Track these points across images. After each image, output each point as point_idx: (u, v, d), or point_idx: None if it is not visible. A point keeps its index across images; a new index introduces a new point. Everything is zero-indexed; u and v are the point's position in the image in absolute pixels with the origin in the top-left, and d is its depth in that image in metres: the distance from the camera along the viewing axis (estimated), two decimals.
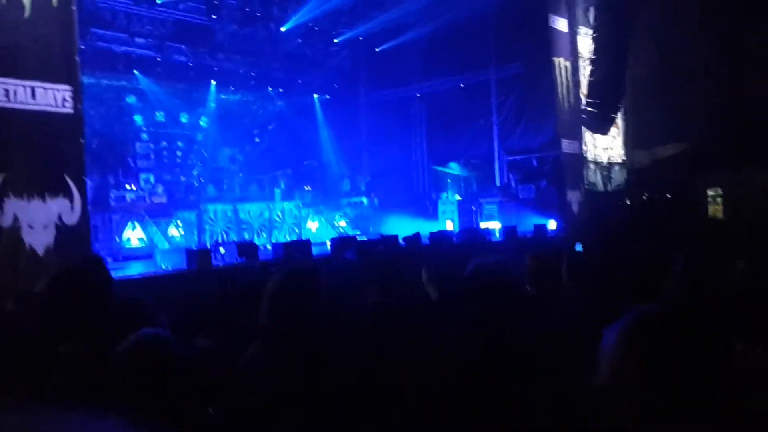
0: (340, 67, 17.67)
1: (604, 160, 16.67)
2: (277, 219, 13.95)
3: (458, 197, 15.71)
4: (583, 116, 15.21)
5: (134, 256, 10.79)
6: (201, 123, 15.76)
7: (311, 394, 2.16)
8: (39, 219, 6.79)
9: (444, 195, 15.75)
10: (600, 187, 16.23)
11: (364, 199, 16.36)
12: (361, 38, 16.39)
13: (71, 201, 7.12)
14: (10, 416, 0.93)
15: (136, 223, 11.49)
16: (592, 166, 15.96)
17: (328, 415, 2.18)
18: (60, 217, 6.99)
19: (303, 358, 2.29)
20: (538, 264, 4.01)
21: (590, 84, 15.32)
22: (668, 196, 15.66)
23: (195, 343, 3.18)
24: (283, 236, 13.60)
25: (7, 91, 6.54)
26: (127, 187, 12.54)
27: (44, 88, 6.87)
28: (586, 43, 15.65)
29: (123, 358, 1.78)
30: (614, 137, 17.01)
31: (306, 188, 15.54)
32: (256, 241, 11.71)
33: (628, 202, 16.18)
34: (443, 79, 16.51)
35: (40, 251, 6.75)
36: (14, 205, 6.56)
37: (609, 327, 1.30)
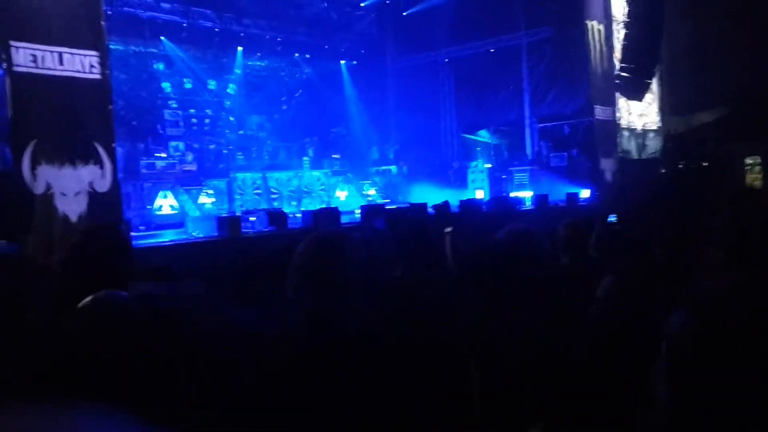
0: (367, 32, 17.40)
1: (639, 126, 16.27)
2: (306, 188, 13.93)
3: (488, 165, 15.49)
4: (617, 82, 14.81)
5: (166, 224, 10.86)
6: (228, 90, 15.68)
7: (332, 368, 2.10)
8: (71, 186, 6.82)
9: (473, 163, 15.52)
10: (634, 154, 15.87)
11: (393, 168, 16.24)
12: (387, 2, 16.09)
13: (102, 168, 7.14)
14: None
15: (168, 192, 11.54)
16: (626, 133, 15.60)
17: (344, 390, 2.12)
18: (91, 185, 7.02)
19: (327, 330, 2.22)
20: (573, 233, 3.89)
21: (624, 48, 14.88)
22: (704, 164, 15.27)
23: (224, 311, 3.15)
24: (312, 204, 13.58)
25: (34, 56, 6.52)
26: (157, 154, 12.57)
27: (71, 54, 6.83)
28: (620, 5, 15.16)
29: (74, 326, 1.64)
30: (649, 103, 16.57)
31: (334, 156, 15.45)
32: (286, 210, 11.70)
33: (663, 170, 15.83)
34: (472, 43, 16.16)
35: (73, 218, 6.79)
36: (46, 173, 6.59)
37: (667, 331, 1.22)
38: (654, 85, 16.29)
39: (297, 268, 2.39)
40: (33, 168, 6.43)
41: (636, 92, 15.49)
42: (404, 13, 16.62)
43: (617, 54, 14.87)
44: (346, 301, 2.39)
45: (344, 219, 10.11)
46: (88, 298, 1.67)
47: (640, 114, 16.20)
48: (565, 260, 3.85)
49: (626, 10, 14.94)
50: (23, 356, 2.03)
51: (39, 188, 6.48)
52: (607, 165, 14.02)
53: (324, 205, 13.36)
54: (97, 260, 2.43)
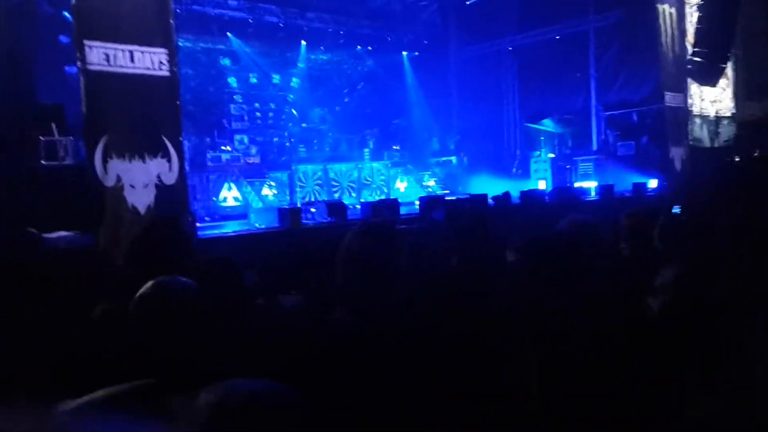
0: (430, 22, 17.30)
1: (712, 113, 15.61)
2: (367, 180, 14.03)
3: (551, 155, 15.19)
4: (689, 67, 14.24)
5: (230, 215, 11.16)
6: (292, 84, 15.94)
7: (377, 365, 2.11)
8: (140, 179, 7.10)
9: (536, 153, 15.26)
10: (706, 142, 15.25)
11: (453, 159, 16.15)
12: None
13: (169, 161, 7.39)
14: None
15: (232, 184, 11.86)
16: (698, 120, 15.00)
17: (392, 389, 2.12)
18: (159, 177, 7.28)
19: (376, 328, 2.23)
20: (634, 223, 3.78)
21: (697, 32, 14.28)
22: None
23: (284, 300, 3.22)
24: (372, 196, 13.66)
25: (107, 55, 6.80)
26: (223, 148, 12.91)
27: (142, 52, 7.09)
28: None
29: (135, 310, 1.67)
30: (723, 89, 15.86)
31: (395, 148, 15.49)
32: (345, 201, 11.82)
33: (737, 159, 15.14)
34: (537, 30, 15.82)
35: (142, 210, 7.07)
36: (117, 166, 6.88)
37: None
38: (728, 69, 15.57)
39: (343, 258, 2.41)
40: (104, 162, 6.73)
41: (709, 78, 14.85)
42: (467, 2, 16.44)
43: (690, 38, 14.30)
44: (395, 292, 2.39)
45: (403, 210, 10.14)
46: (148, 284, 1.73)
47: (713, 100, 15.54)
48: (626, 251, 3.75)
49: None
50: (90, 348, 2.12)
51: (110, 181, 6.77)
52: (677, 154, 13.53)
53: (383, 197, 13.43)
54: (158, 251, 2.53)
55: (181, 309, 1.65)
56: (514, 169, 14.75)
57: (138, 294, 1.72)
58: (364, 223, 2.56)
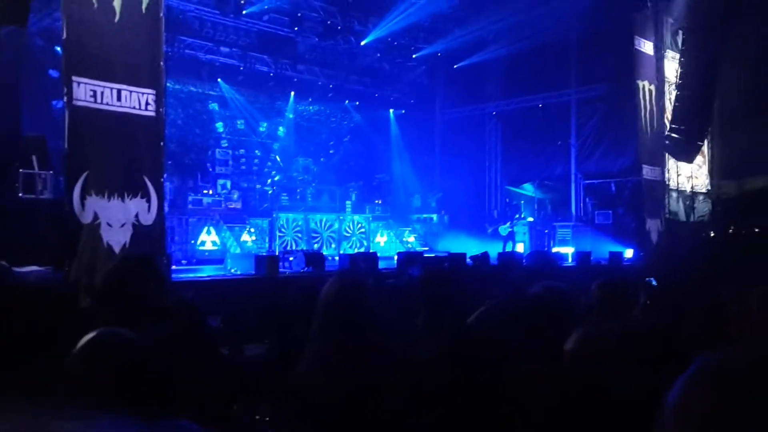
0: (417, 83, 17.72)
1: (688, 189, 15.97)
2: (347, 231, 14.04)
3: (530, 219, 15.36)
4: (667, 142, 14.63)
5: (207, 259, 11.06)
6: (279, 133, 16.09)
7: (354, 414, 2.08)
8: (117, 217, 7.03)
9: (516, 216, 15.43)
10: (682, 216, 15.54)
11: (434, 216, 16.26)
12: (439, 54, 16.38)
13: (149, 202, 7.35)
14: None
15: (211, 228, 11.79)
16: (674, 194, 15.32)
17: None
18: (137, 217, 7.22)
19: (349, 376, 2.20)
20: (607, 294, 3.78)
21: (675, 109, 14.73)
22: (756, 230, 14.80)
23: (248, 350, 3.18)
24: (352, 248, 13.65)
25: (94, 92, 6.83)
26: (205, 191, 12.90)
27: (129, 91, 7.14)
28: (672, 67, 15.08)
29: (76, 362, 1.62)
30: (699, 165, 16.28)
31: (377, 202, 15.58)
32: (325, 252, 11.79)
33: (711, 234, 15.40)
34: (521, 98, 16.25)
35: (117, 248, 6.98)
36: (95, 203, 6.82)
37: (675, 380, 1.11)
38: (705, 147, 16.01)
39: (322, 309, 2.40)
40: (83, 198, 6.67)
41: (686, 154, 15.24)
42: (455, 66, 16.86)
43: (668, 115, 14.73)
44: (366, 346, 2.37)
45: (382, 264, 10.12)
46: (91, 334, 1.67)
47: (689, 176, 15.92)
48: (598, 321, 3.74)
49: (679, 71, 14.84)
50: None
51: (87, 218, 6.70)
52: (653, 225, 13.75)
53: (363, 249, 13.41)
54: (132, 290, 2.48)
55: (118, 367, 1.61)
56: (489, 230, 14.83)
57: (77, 348, 1.67)
58: (340, 277, 2.55)
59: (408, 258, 9.91)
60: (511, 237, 14.27)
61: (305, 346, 2.60)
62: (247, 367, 2.62)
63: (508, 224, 14.41)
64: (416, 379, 1.98)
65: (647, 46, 14.11)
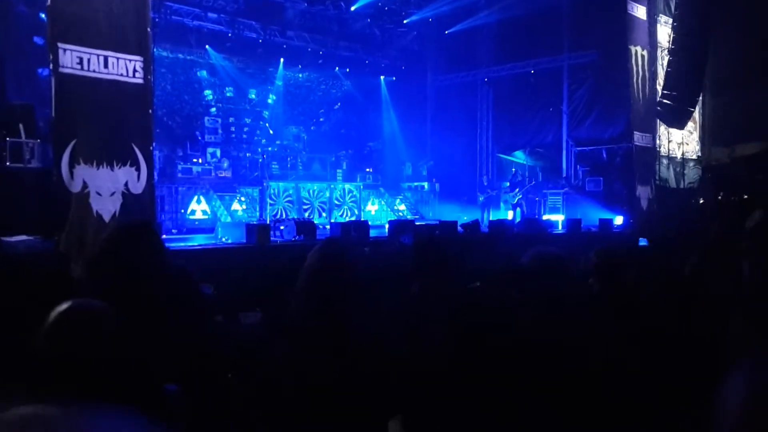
0: (408, 49, 17.52)
1: (678, 155, 16.00)
2: (338, 200, 14.01)
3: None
4: (659, 108, 14.60)
5: (198, 228, 11.03)
6: (268, 100, 15.93)
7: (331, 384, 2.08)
8: (107, 186, 6.98)
9: (506, 184, 15.44)
10: (672, 183, 15.60)
11: (425, 184, 16.24)
12: (430, 20, 16.18)
13: (138, 170, 7.29)
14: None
15: (201, 197, 11.73)
16: (665, 161, 15.35)
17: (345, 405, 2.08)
18: (127, 186, 7.17)
19: (329, 347, 2.20)
20: (605, 260, 3.80)
21: (668, 75, 14.68)
22: (745, 197, 14.89)
23: (243, 318, 3.17)
24: (343, 216, 13.64)
25: (81, 59, 6.71)
26: (195, 160, 12.80)
27: (117, 58, 7.02)
28: (665, 32, 14.98)
29: (48, 336, 1.56)
30: (690, 132, 16.29)
31: (368, 170, 15.53)
32: (316, 220, 11.78)
33: (701, 201, 15.49)
34: (513, 64, 16.11)
35: (106, 218, 6.94)
36: (84, 172, 6.76)
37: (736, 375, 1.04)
38: (696, 114, 16.00)
39: (306, 275, 2.38)
40: (71, 167, 6.60)
41: (677, 120, 15.23)
42: (446, 32, 16.68)
43: (660, 81, 14.67)
44: (354, 313, 2.36)
45: (373, 233, 10.13)
46: (64, 305, 1.63)
47: (680, 142, 15.94)
48: (596, 287, 3.76)
49: (671, 37, 14.75)
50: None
51: (75, 187, 6.64)
52: (643, 192, 13.79)
53: (354, 218, 13.41)
54: (128, 257, 2.45)
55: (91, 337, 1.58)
56: (480, 198, 14.81)
57: (50, 318, 1.64)
58: (325, 244, 2.53)
59: (399, 226, 9.93)
60: (487, 205, 14.25)
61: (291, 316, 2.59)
62: (242, 335, 2.62)
63: (517, 190, 14.36)
64: (416, 347, 1.98)
65: (640, 11, 13.97)
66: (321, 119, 17.13)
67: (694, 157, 16.48)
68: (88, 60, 6.78)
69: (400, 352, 2.10)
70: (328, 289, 2.30)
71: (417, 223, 11.69)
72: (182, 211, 11.40)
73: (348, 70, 16.91)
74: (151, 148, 7.52)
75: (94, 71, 6.82)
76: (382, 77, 17.50)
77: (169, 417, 1.44)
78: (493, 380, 1.46)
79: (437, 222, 11.31)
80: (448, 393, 1.56)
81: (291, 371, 2.21)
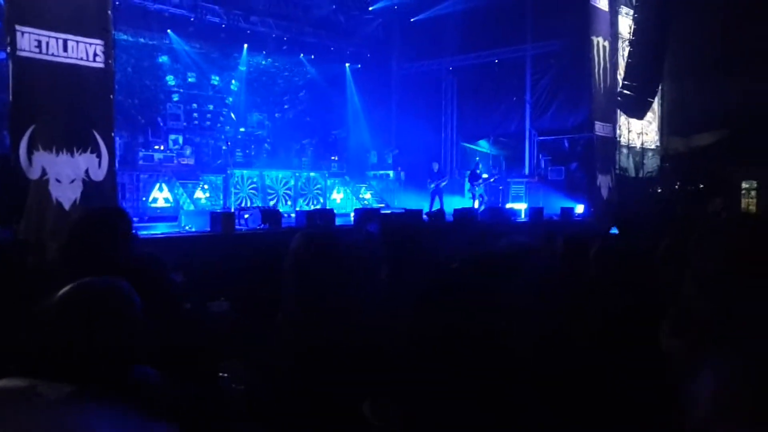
0: (373, 37, 17.44)
1: (638, 145, 16.34)
2: (303, 188, 13.94)
3: (486, 175, 15.53)
4: (619, 99, 14.88)
5: (160, 216, 10.86)
6: (232, 87, 15.72)
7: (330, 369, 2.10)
8: (66, 173, 6.83)
9: (484, 174, 15.55)
10: (632, 172, 15.93)
11: (391, 173, 16.26)
12: (396, 7, 16.15)
13: (99, 157, 7.15)
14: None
15: (164, 184, 11.55)
16: (624, 150, 15.67)
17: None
18: (87, 173, 7.04)
19: (327, 331, 2.22)
20: (572, 247, 3.89)
21: (628, 66, 14.95)
22: (701, 186, 15.31)
23: (212, 307, 3.15)
24: (308, 205, 13.59)
25: (39, 42, 6.54)
26: (156, 147, 12.57)
27: (76, 42, 6.86)
28: (626, 23, 15.24)
29: (57, 313, 1.51)
30: (649, 122, 16.64)
31: (333, 158, 15.48)
32: (281, 209, 11.71)
33: (659, 190, 15.87)
34: (477, 53, 16.21)
35: (66, 205, 6.80)
36: (43, 158, 6.61)
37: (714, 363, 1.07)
38: (655, 104, 16.35)
39: (293, 265, 2.38)
40: (30, 153, 6.45)
41: (637, 110, 15.54)
42: (411, 20, 16.68)
43: (621, 72, 14.94)
44: (341, 299, 2.38)
45: (338, 221, 10.13)
46: (70, 286, 1.59)
47: (640, 132, 16.28)
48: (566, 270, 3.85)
49: (632, 28, 15.01)
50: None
51: (34, 174, 6.49)
52: (603, 181, 14.07)
53: (319, 206, 13.38)
54: (100, 245, 2.40)
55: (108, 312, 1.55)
56: (431, 186, 14.81)
57: (61, 294, 1.60)
58: (309, 232, 2.54)
59: (365, 215, 9.94)
60: (438, 193, 14.26)
61: (277, 305, 2.59)
62: (212, 323, 2.61)
63: (481, 181, 14.47)
64: (387, 329, 2.01)
65: (602, 2, 14.19)
66: (285, 106, 16.98)
67: (653, 146, 16.85)
68: (47, 43, 6.61)
69: (372, 336, 2.13)
70: (318, 278, 2.31)
71: (383, 212, 11.73)
72: (144, 198, 11.21)
73: (313, 56, 16.77)
74: (112, 134, 7.38)
75: (53, 55, 6.65)
76: (347, 64, 17.41)
77: (149, 402, 1.44)
78: (470, 362, 1.50)
79: (403, 210, 11.37)
80: (421, 375, 1.59)
81: (257, 355, 2.22)
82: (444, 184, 14.39)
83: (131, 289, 1.58)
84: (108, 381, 1.42)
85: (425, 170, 14.84)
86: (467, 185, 15.05)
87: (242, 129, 14.76)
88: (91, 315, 1.50)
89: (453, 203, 13.49)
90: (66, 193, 6.79)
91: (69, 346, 1.45)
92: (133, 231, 2.47)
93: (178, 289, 2.57)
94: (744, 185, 15.34)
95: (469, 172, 15.06)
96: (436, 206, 13.52)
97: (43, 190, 6.60)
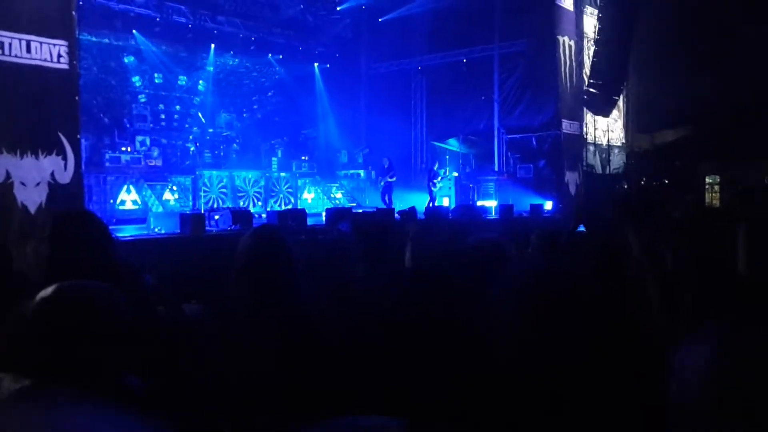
0: (342, 36, 17.44)
1: (604, 142, 16.62)
2: (273, 188, 13.88)
3: (456, 174, 15.64)
4: (585, 97, 15.12)
5: (128, 219, 10.71)
6: (199, 87, 15.57)
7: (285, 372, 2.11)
8: (31, 176, 6.71)
9: (441, 171, 15.68)
10: (598, 169, 16.20)
11: (362, 172, 16.28)
12: (363, 7, 16.16)
13: (65, 159, 7.04)
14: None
15: (131, 186, 11.40)
16: (591, 147, 15.93)
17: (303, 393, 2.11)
18: (53, 175, 6.91)
19: (275, 336, 2.21)
20: (543, 242, 3.96)
21: (593, 65, 15.20)
22: (666, 181, 15.64)
23: (184, 309, 3.13)
24: (279, 205, 13.53)
25: (2, 43, 6.41)
26: (123, 149, 12.39)
27: (40, 42, 6.73)
28: (591, 22, 15.49)
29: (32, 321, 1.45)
30: (615, 120, 16.94)
31: (303, 158, 15.44)
32: (251, 209, 11.64)
33: (625, 186, 16.16)
34: (445, 52, 16.32)
35: (32, 209, 6.68)
36: (7, 161, 6.48)
37: (690, 343, 1.08)
38: (620, 102, 16.65)
39: (238, 264, 2.36)
40: None
41: (603, 108, 15.81)
42: (380, 20, 16.70)
43: (587, 70, 15.18)
44: (290, 301, 2.38)
45: (310, 221, 10.11)
46: (49, 288, 1.55)
47: (606, 130, 16.56)
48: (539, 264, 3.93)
49: (597, 27, 15.26)
50: None
51: None
52: (571, 178, 14.28)
53: (290, 206, 13.33)
54: (80, 249, 2.34)
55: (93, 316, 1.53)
56: (381, 182, 14.76)
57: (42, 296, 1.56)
58: (256, 231, 2.52)
59: (337, 214, 9.94)
60: (387, 190, 14.30)
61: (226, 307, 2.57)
62: (187, 326, 2.59)
63: (439, 179, 14.58)
64: (366, 326, 2.02)
65: (567, 2, 14.39)
66: (254, 106, 16.88)
67: (619, 143, 17.16)
68: (10, 44, 6.48)
69: (348, 334, 2.14)
70: (263, 276, 2.31)
71: (354, 211, 11.74)
72: (111, 201, 11.05)
73: (281, 56, 16.71)
74: (78, 136, 7.26)
75: (16, 56, 6.52)
76: (315, 64, 17.38)
77: (132, 406, 1.43)
78: (453, 357, 1.52)
79: (374, 209, 11.38)
80: (405, 372, 1.61)
81: (235, 361, 2.22)
82: (393, 179, 14.38)
83: (116, 292, 1.56)
84: (99, 387, 1.40)
85: (396, 169, 14.87)
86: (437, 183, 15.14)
87: (210, 129, 14.63)
88: (77, 318, 1.48)
89: (412, 200, 13.48)
90: (31, 197, 6.66)
91: (52, 350, 1.43)
92: (109, 234, 2.43)
93: (151, 292, 2.55)
94: (708, 180, 15.71)
95: (428, 170, 15.19)
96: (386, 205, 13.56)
97: (7, 194, 6.47)
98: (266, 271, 2.37)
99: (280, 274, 2.40)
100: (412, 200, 13.30)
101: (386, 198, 14.05)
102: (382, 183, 14.18)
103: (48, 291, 1.51)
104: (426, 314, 1.74)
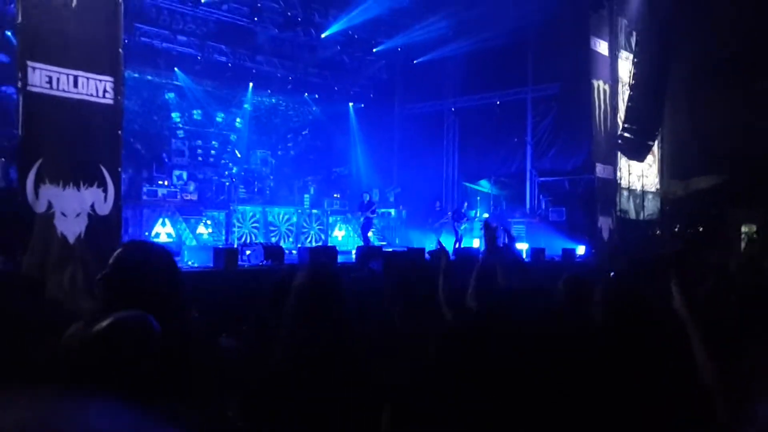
0: (377, 77, 17.72)
1: (638, 187, 16.43)
2: (305, 225, 13.97)
3: (486, 215, 15.56)
4: (619, 142, 15.02)
5: None
6: (236, 124, 15.89)
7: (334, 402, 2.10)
8: (72, 207, 6.85)
9: (472, 212, 15.62)
10: (632, 214, 15.98)
11: (392, 211, 16.32)
12: (399, 49, 16.42)
13: (105, 191, 7.18)
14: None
15: (167, 219, 11.58)
16: (625, 192, 15.74)
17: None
18: (93, 207, 7.05)
19: (327, 366, 2.22)
20: (572, 289, 3.88)
21: (628, 109, 15.13)
22: (700, 229, 15.35)
23: (219, 342, 3.14)
24: (310, 242, 13.60)
25: (50, 78, 6.63)
26: (160, 182, 12.66)
27: (87, 78, 6.95)
28: (626, 67, 15.48)
29: (97, 343, 1.53)
30: (650, 165, 16.77)
31: (335, 196, 15.55)
32: (283, 245, 11.72)
33: (658, 233, 15.90)
34: (479, 95, 16.44)
35: (71, 239, 6.80)
36: (49, 192, 6.63)
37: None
38: (655, 147, 16.51)
39: (296, 299, 2.39)
40: (36, 187, 6.48)
41: (637, 153, 15.68)
42: (414, 61, 16.94)
43: (621, 115, 15.12)
44: (344, 335, 2.39)
45: (341, 258, 10.13)
46: (105, 322, 1.57)
47: (640, 175, 16.38)
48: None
49: (632, 72, 15.24)
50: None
51: (40, 207, 6.51)
52: (604, 223, 14.10)
53: (320, 243, 13.39)
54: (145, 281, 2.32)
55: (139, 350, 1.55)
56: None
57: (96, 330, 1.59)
58: (315, 268, 2.56)
59: (367, 252, 9.94)
60: (367, 226, 13.99)
61: (277, 338, 2.59)
62: (225, 359, 2.60)
63: (465, 220, 14.54)
64: (407, 363, 2.01)
65: (602, 47, 14.44)
66: (289, 144, 17.15)
67: (653, 189, 16.94)
68: (58, 79, 6.70)
69: (390, 370, 2.13)
70: (320, 311, 2.32)
71: (385, 250, 11.73)
72: (146, 233, 11.23)
73: (317, 96, 17.02)
74: (119, 169, 7.42)
75: (63, 90, 6.74)
76: (350, 104, 17.65)
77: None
78: (492, 404, 1.50)
79: (405, 248, 11.36)
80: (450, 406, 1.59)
81: (284, 392, 2.21)
82: (374, 216, 14.16)
83: (153, 322, 1.59)
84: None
85: (427, 209, 14.85)
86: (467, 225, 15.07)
87: (246, 165, 14.86)
88: (126, 351, 1.51)
89: (428, 241, 13.37)
90: (71, 227, 6.79)
91: (101, 380, 1.45)
92: (177, 267, 2.40)
93: (197, 327, 2.56)
94: (743, 229, 15.38)
95: (451, 212, 15.11)
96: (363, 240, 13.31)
97: (48, 224, 6.61)
98: (323, 306, 2.40)
99: (335, 310, 2.43)
100: (442, 241, 13.21)
101: (365, 234, 13.80)
102: (362, 219, 13.95)
103: (103, 324, 1.55)
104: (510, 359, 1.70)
